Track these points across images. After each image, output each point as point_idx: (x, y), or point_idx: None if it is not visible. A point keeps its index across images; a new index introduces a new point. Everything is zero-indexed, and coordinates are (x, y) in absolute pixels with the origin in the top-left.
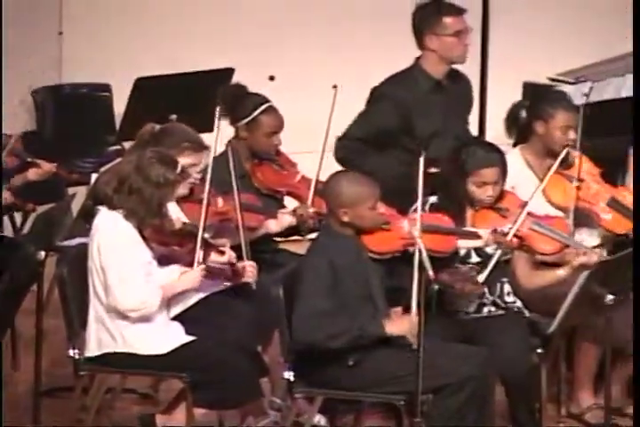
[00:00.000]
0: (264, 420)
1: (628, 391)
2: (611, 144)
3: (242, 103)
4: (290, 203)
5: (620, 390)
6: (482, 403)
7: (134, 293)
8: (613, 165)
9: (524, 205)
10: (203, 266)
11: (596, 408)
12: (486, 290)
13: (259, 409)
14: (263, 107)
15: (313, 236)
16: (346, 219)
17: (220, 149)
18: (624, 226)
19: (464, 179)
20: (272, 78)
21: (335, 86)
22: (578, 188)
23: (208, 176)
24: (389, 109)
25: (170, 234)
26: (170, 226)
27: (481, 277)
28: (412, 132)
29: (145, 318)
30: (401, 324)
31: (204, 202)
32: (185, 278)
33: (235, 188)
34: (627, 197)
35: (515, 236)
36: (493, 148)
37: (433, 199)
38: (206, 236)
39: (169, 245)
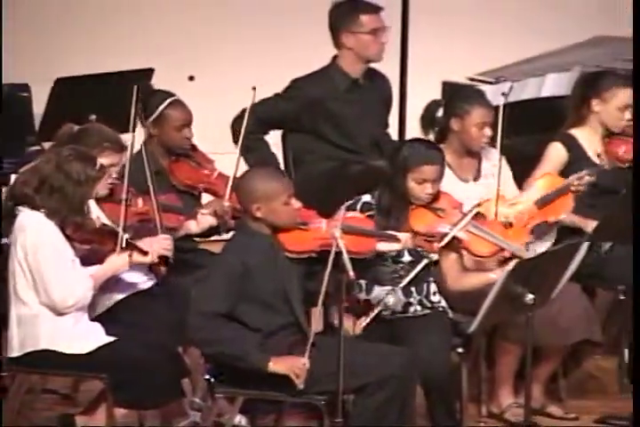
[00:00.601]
0: (184, 420)
1: (548, 391)
2: (525, 143)
3: (148, 101)
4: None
5: (540, 390)
6: (403, 403)
7: (70, 290)
8: (528, 163)
9: (461, 206)
10: (128, 251)
11: (517, 407)
12: (413, 289)
13: (179, 410)
14: (168, 101)
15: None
16: (259, 214)
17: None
18: (564, 208)
19: (405, 175)
20: (191, 78)
21: (254, 88)
22: (510, 225)
23: (126, 174)
24: (297, 104)
25: (91, 232)
26: (91, 224)
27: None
28: (323, 130)
29: (66, 318)
30: (286, 364)
31: (123, 197)
32: (113, 261)
33: (151, 188)
34: (543, 183)
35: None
36: (434, 146)
37: (366, 198)
38: (126, 236)
39: (91, 243)
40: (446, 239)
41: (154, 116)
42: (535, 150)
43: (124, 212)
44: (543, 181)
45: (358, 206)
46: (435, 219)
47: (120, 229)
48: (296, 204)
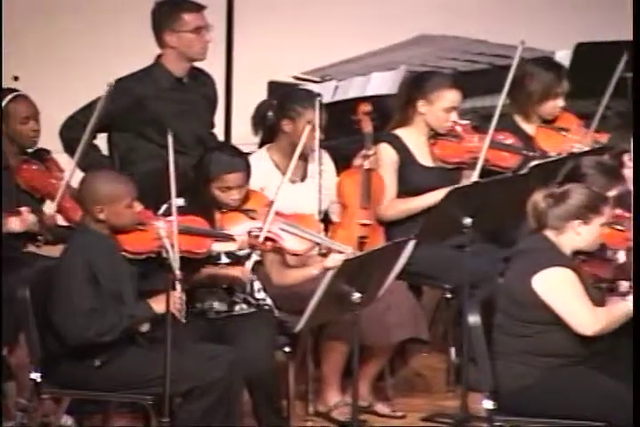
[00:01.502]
0: (10, 422)
1: (376, 389)
2: (351, 143)
3: None
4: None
5: (367, 388)
6: (230, 403)
7: None
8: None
9: (271, 204)
10: None
11: (343, 406)
12: (237, 288)
13: (4, 411)
14: (10, 96)
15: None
16: (102, 216)
17: None
18: (382, 187)
19: (208, 183)
20: (16, 79)
21: (109, 84)
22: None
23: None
24: (120, 104)
25: None
26: None
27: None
28: (146, 129)
29: None
30: (165, 301)
31: None
32: None
33: None
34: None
35: (266, 237)
36: (237, 152)
37: (180, 202)
38: None
39: None
40: (262, 234)
41: None
42: (349, 152)
43: None
44: (345, 185)
45: (174, 209)
46: (247, 220)
47: None
48: (138, 207)
